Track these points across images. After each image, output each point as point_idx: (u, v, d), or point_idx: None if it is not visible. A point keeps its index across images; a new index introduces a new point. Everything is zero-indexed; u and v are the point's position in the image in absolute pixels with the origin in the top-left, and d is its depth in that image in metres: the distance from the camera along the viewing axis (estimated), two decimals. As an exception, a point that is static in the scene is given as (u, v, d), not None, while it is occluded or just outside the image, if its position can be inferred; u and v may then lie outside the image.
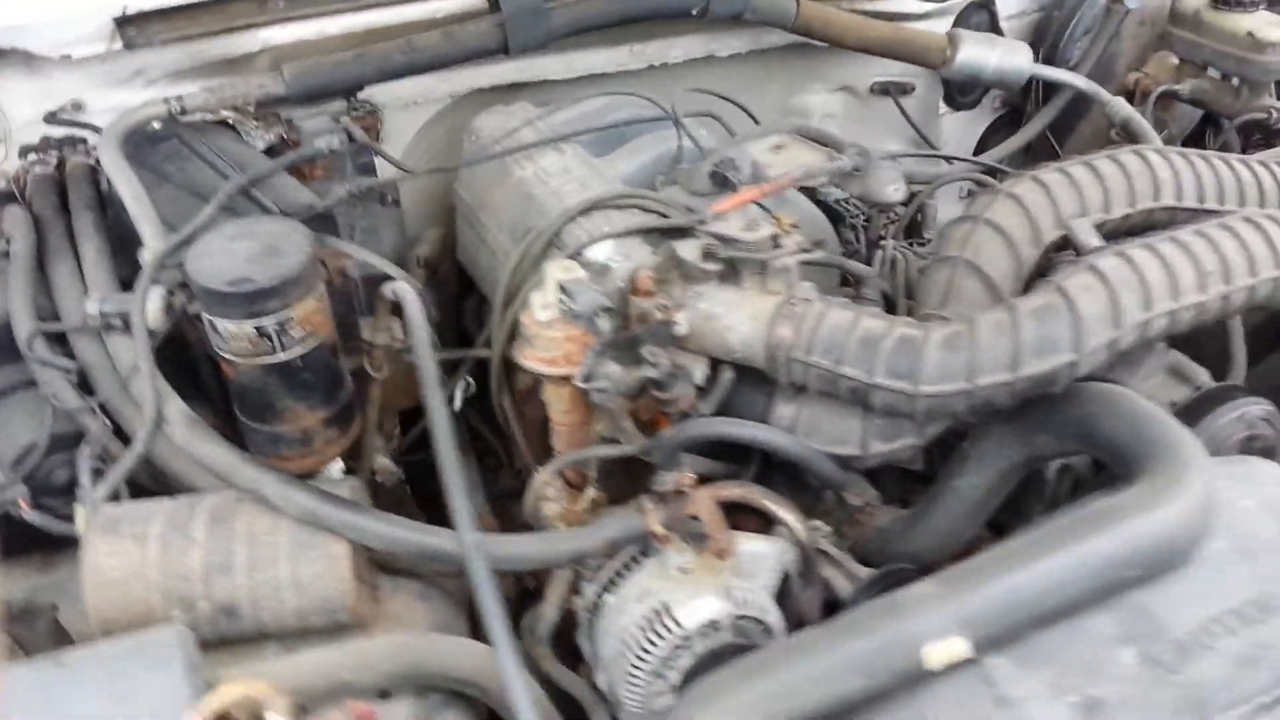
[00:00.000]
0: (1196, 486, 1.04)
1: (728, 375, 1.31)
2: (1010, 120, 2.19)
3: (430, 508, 1.50)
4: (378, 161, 1.74)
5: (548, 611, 1.32)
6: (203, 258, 1.28)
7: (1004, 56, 1.85)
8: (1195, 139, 2.07)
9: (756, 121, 2.01)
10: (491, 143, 1.68)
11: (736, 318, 1.27)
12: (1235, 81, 1.89)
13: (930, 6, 1.95)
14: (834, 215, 1.79)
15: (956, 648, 1.00)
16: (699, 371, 1.30)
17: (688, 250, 1.27)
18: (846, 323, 1.21)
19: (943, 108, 2.18)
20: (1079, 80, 1.90)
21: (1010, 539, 1.07)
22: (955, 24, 2.07)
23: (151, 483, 1.36)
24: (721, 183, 1.40)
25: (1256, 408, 1.36)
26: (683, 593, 1.23)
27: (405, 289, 1.32)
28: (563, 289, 1.21)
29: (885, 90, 2.13)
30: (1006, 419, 1.30)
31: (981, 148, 2.22)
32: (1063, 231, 1.30)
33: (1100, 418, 1.17)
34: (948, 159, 1.82)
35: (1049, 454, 1.26)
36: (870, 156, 1.39)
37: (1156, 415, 1.13)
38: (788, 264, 1.26)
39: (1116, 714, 0.96)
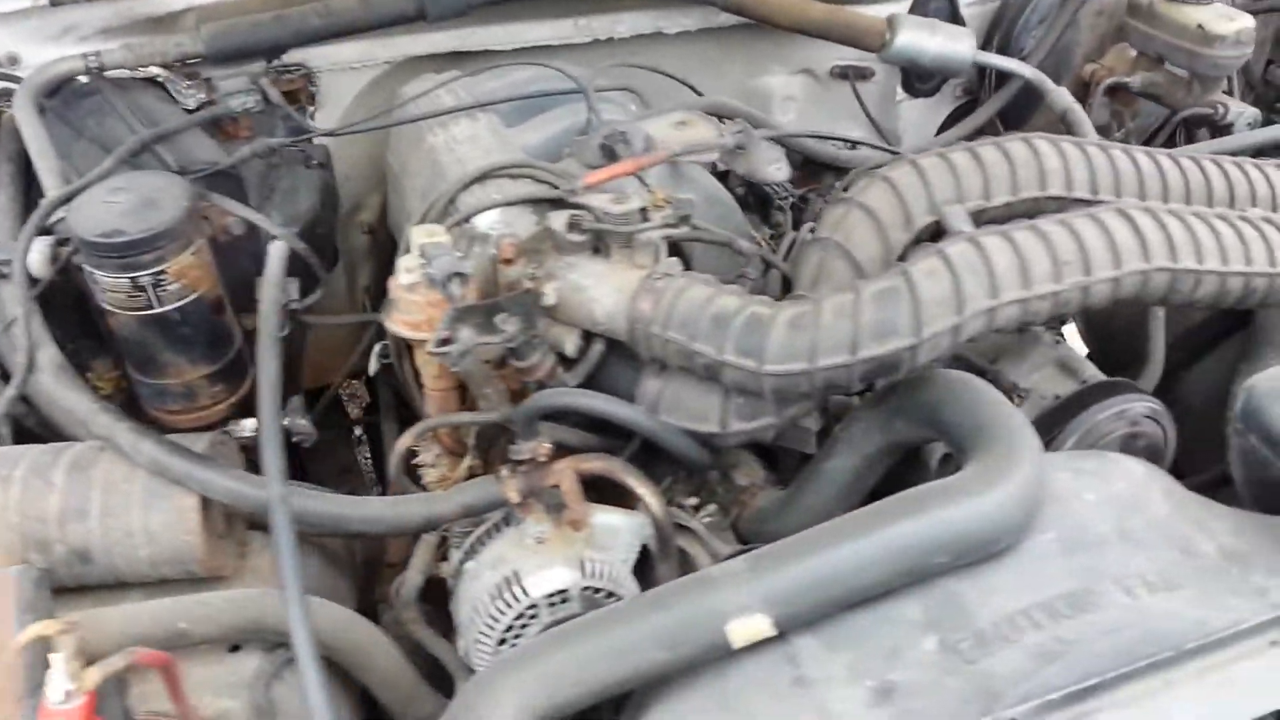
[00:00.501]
0: (1019, 476, 1.02)
1: (598, 347, 1.31)
2: (971, 108, 2.15)
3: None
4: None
5: (411, 575, 1.34)
6: (83, 209, 1.31)
7: (945, 43, 1.82)
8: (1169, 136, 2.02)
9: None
10: (413, 109, 1.69)
11: (602, 290, 1.26)
12: (1187, 75, 1.84)
13: None
14: (763, 197, 1.78)
15: (759, 625, 0.99)
16: (570, 343, 1.31)
17: (556, 221, 1.27)
18: (702, 299, 1.20)
19: (901, 94, 2.15)
20: (1025, 69, 1.86)
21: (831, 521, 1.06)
22: (912, 9, 2.04)
23: (41, 429, 1.39)
24: (610, 155, 1.39)
25: (1140, 405, 1.33)
26: (534, 562, 1.23)
27: (277, 247, 1.33)
28: (423, 253, 1.22)
29: (844, 74, 2.11)
30: (872, 404, 1.29)
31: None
32: (936, 217, 1.28)
33: (945, 405, 1.16)
34: (851, 143, 1.78)
35: (907, 439, 1.25)
36: (751, 135, 1.38)
37: (995, 404, 1.12)
38: (653, 238, 1.26)
39: (908, 700, 0.95)
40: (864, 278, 1.26)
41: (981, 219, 1.31)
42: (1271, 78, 2.22)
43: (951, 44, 1.82)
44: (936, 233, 1.29)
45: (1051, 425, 1.33)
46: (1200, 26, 1.77)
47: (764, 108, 2.20)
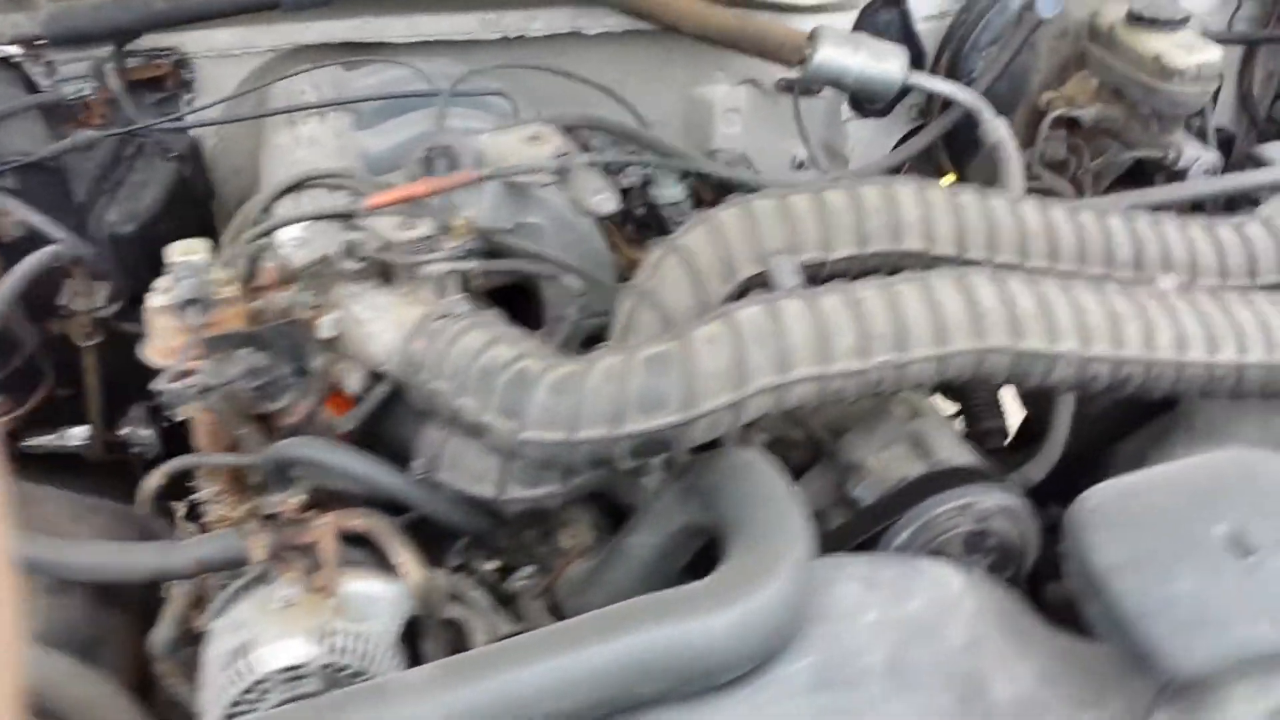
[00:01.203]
0: (764, 592, 0.86)
1: (381, 388, 1.16)
2: (927, 132, 1.96)
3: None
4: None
5: (161, 627, 1.21)
6: None
7: (869, 62, 1.63)
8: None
9: (638, 114, 1.84)
10: (274, 102, 1.56)
11: (381, 326, 1.12)
12: (1147, 111, 1.63)
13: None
14: (661, 221, 1.63)
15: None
16: (354, 380, 1.17)
17: (334, 245, 1.14)
18: (476, 347, 1.06)
19: (847, 112, 1.96)
20: (962, 94, 1.66)
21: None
22: (859, 22, 1.85)
23: None
24: (429, 170, 1.25)
25: (992, 499, 1.15)
26: (272, 631, 1.10)
27: (45, 252, 1.22)
28: (173, 272, 1.09)
29: (789, 88, 1.93)
30: (675, 476, 1.14)
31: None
32: (762, 268, 1.11)
33: (721, 490, 1.00)
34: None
35: (702, 522, 1.08)
36: (573, 160, 1.22)
37: (767, 496, 0.96)
38: (437, 271, 1.11)
39: None
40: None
41: (823, 273, 1.15)
42: (1277, 115, 1.99)
43: (877, 63, 1.64)
44: (764, 284, 1.13)
45: (884, 515, 1.16)
46: (1157, 58, 1.57)
47: (706, 119, 2.04)
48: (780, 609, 0.86)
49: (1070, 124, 1.71)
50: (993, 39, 1.77)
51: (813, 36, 1.64)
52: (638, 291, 1.13)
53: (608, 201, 1.20)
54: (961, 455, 1.22)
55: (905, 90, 1.67)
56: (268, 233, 1.22)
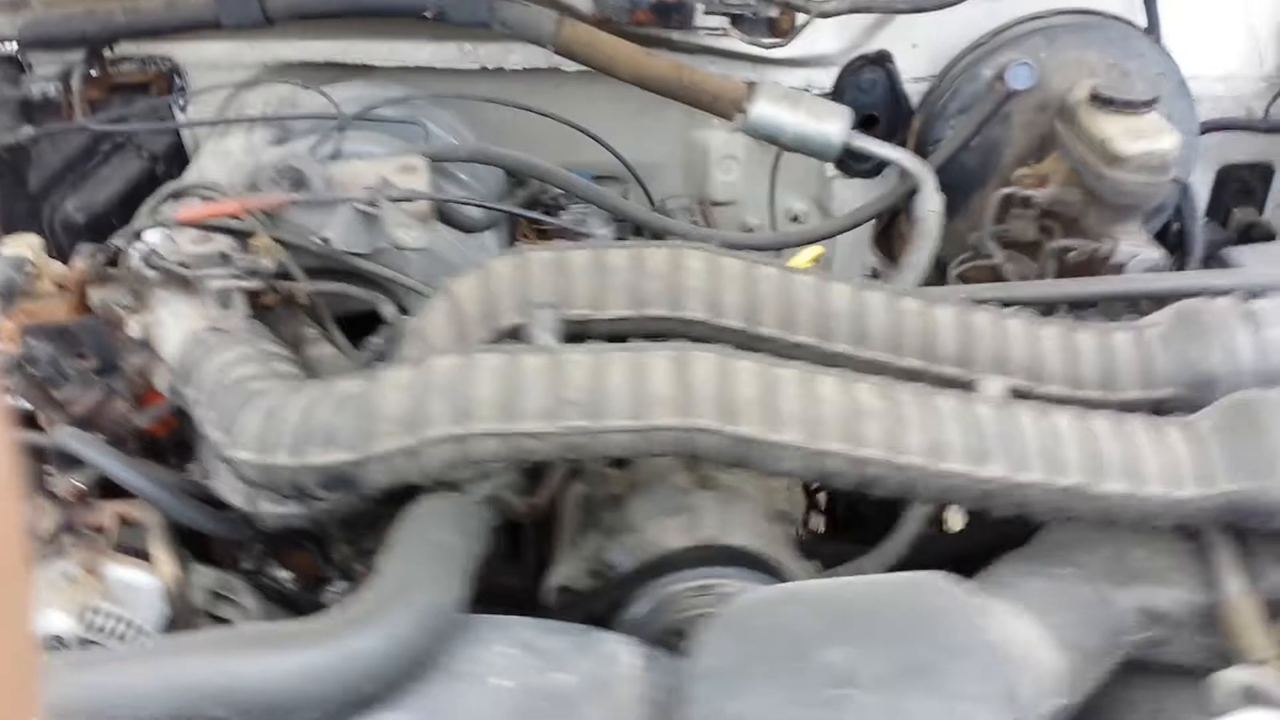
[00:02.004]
0: (349, 640, 0.86)
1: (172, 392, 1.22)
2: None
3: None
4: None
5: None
6: None
7: (806, 121, 1.58)
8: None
9: (616, 153, 1.85)
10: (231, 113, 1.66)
11: (173, 332, 1.18)
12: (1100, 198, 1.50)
13: (765, 51, 1.69)
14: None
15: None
16: (162, 380, 1.23)
17: (137, 252, 1.20)
18: (225, 361, 1.10)
19: (831, 170, 1.90)
20: (907, 161, 1.59)
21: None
22: (840, 79, 1.80)
23: None
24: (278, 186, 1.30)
25: (738, 584, 1.10)
26: (45, 600, 1.17)
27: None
28: (-3, 265, 1.18)
29: (778, 140, 1.89)
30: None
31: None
32: (526, 319, 1.10)
33: (392, 536, 1.00)
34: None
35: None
36: (382, 195, 1.24)
37: (421, 547, 0.95)
38: (219, 286, 1.16)
39: None
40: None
41: (591, 332, 1.12)
42: (1240, 217, 1.82)
43: (815, 123, 1.59)
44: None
45: (632, 585, 1.12)
46: (1104, 142, 1.45)
47: (702, 164, 2.03)
48: (369, 657, 0.86)
49: (1017, 202, 1.60)
50: (961, 108, 1.68)
51: (750, 91, 1.60)
52: (409, 329, 1.14)
53: (416, 238, 1.22)
54: (736, 535, 1.17)
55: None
56: (136, 235, 1.31)
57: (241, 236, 1.23)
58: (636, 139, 1.92)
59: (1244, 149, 1.91)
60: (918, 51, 1.79)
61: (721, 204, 2.07)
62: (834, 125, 1.59)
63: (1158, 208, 1.71)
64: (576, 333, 1.12)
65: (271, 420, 1.01)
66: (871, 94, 1.80)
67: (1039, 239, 1.68)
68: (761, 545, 1.18)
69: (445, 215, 1.48)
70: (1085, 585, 1.15)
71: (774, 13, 1.63)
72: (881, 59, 1.77)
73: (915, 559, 1.34)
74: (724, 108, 1.61)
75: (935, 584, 0.91)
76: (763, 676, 0.80)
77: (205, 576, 1.22)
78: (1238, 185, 1.94)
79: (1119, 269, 1.45)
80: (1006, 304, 1.28)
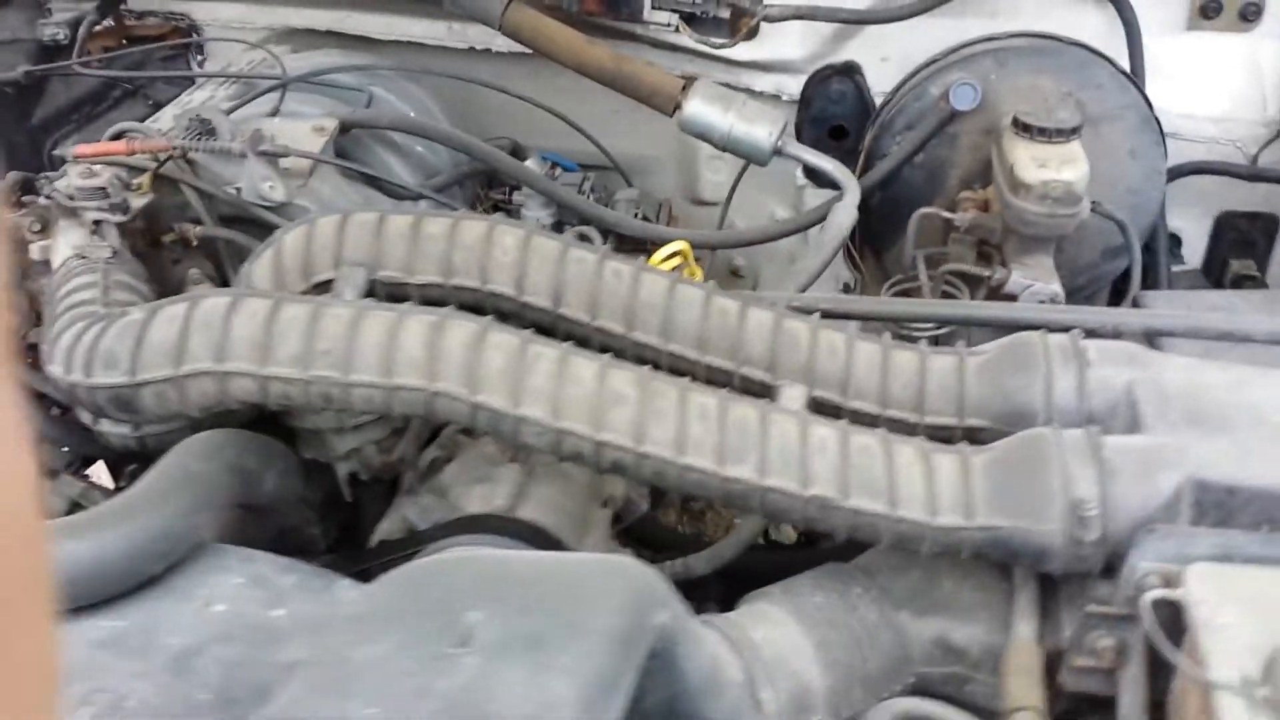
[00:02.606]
0: (63, 548, 0.94)
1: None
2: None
3: None
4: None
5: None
6: None
7: (738, 122, 1.58)
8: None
9: (592, 139, 1.90)
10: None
11: (59, 258, 1.29)
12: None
13: (728, 53, 1.70)
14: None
15: None
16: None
17: (46, 186, 1.32)
18: (72, 286, 1.20)
19: (801, 179, 1.89)
20: (837, 172, 1.57)
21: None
22: (808, 86, 1.79)
23: None
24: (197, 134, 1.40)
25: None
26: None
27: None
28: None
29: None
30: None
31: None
32: (337, 276, 1.16)
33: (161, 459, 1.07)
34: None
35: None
36: (250, 147, 1.31)
37: (164, 469, 1.02)
38: (95, 220, 1.26)
39: None
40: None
41: (405, 295, 1.18)
42: (1237, 269, 1.71)
43: (746, 125, 1.59)
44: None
45: (423, 545, 1.17)
46: (1012, 168, 1.40)
47: (693, 162, 2.05)
48: (74, 566, 0.93)
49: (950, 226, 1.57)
50: (908, 124, 1.66)
51: (686, 88, 1.62)
52: (240, 275, 1.22)
53: (276, 190, 1.30)
54: (528, 509, 1.20)
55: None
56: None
57: (142, 173, 1.34)
58: (630, 132, 1.96)
59: (1244, 197, 1.81)
60: (887, 65, 1.76)
61: (708, 203, 2.08)
62: (763, 129, 1.59)
63: (1115, 249, 1.65)
64: (393, 295, 1.18)
65: (77, 341, 1.10)
66: (841, 105, 1.79)
67: (978, 265, 1.64)
68: (553, 522, 1.20)
69: (375, 182, 1.56)
70: (873, 608, 1.14)
71: (724, 13, 1.64)
72: (849, 70, 1.76)
73: (761, 566, 1.35)
74: (661, 102, 1.63)
75: (624, 568, 0.92)
76: (396, 627, 0.84)
77: (70, 487, 1.32)
78: (1235, 235, 1.84)
79: (1013, 299, 1.41)
80: (868, 318, 1.28)
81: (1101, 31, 1.68)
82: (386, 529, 1.26)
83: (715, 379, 1.20)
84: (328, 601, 1.01)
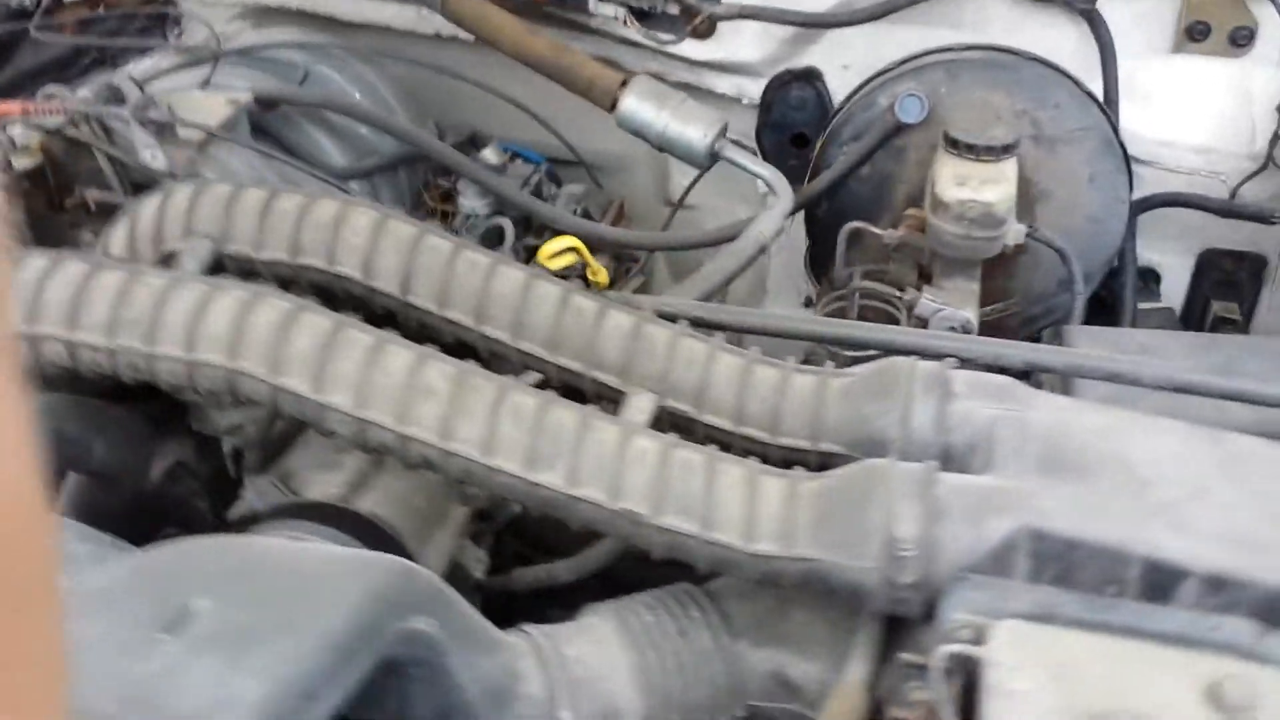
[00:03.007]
0: None
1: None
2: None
3: None
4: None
5: None
6: None
7: (673, 122, 1.52)
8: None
9: (563, 139, 1.87)
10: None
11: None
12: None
13: (658, 44, 1.64)
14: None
15: None
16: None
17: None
18: None
19: (762, 185, 1.83)
20: (771, 178, 1.51)
21: None
22: (767, 91, 1.72)
23: None
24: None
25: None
26: None
27: None
28: None
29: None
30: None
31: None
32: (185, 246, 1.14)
33: None
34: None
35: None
36: (128, 115, 1.29)
37: None
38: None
39: None
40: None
41: (253, 270, 1.15)
42: (1218, 311, 1.58)
43: (680, 125, 1.53)
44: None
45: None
46: (934, 185, 1.32)
47: (663, 164, 1.99)
48: None
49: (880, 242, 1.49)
50: (855, 134, 1.58)
51: (625, 84, 1.57)
52: (98, 244, 1.21)
53: (157, 159, 1.28)
54: (365, 501, 1.16)
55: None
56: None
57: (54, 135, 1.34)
58: (606, 130, 1.91)
59: (1230, 235, 1.69)
60: (849, 73, 1.69)
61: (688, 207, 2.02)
62: (698, 130, 1.53)
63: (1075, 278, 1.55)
64: (242, 270, 1.15)
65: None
66: (802, 112, 1.72)
67: (918, 284, 1.56)
68: (392, 515, 1.16)
69: (310, 160, 1.54)
70: (707, 634, 1.08)
71: (673, 9, 1.59)
72: (810, 75, 1.69)
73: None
74: (598, 96, 1.58)
75: (376, 567, 0.88)
76: (117, 607, 0.81)
77: None
78: (1219, 275, 1.72)
79: (923, 323, 1.33)
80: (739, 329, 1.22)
81: (1077, 49, 1.59)
82: (236, 510, 1.24)
83: (567, 381, 1.15)
84: (106, 573, 0.99)
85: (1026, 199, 1.53)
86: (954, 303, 1.30)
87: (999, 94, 1.50)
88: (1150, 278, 1.72)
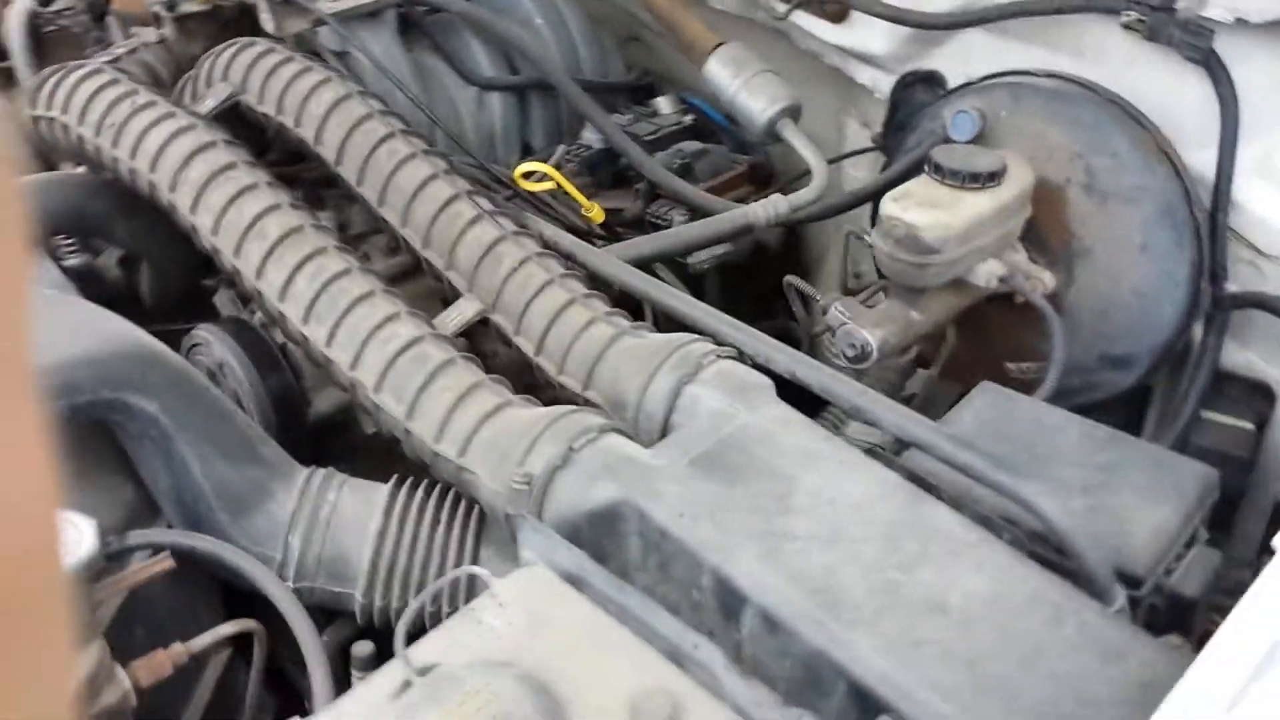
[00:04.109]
0: None
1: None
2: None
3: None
4: None
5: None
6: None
7: (740, 93, 1.53)
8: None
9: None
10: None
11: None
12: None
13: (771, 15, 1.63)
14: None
15: None
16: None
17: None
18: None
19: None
20: (814, 162, 1.49)
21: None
22: (895, 90, 1.67)
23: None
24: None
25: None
26: None
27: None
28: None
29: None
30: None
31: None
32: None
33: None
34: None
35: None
36: None
37: None
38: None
39: None
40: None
41: (255, 119, 1.39)
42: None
43: (746, 96, 1.55)
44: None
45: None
46: (884, 202, 1.24)
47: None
48: None
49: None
50: (917, 142, 1.50)
51: (717, 51, 1.61)
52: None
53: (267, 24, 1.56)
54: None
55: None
56: None
57: None
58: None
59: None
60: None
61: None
62: (761, 104, 1.55)
63: (1118, 359, 1.39)
64: (245, 117, 1.40)
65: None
66: (921, 115, 1.65)
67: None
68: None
69: (457, 63, 1.76)
70: (456, 532, 1.19)
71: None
72: (933, 80, 1.61)
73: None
74: (694, 55, 1.64)
75: (120, 345, 1.08)
76: None
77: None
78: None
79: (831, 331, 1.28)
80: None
81: (1204, 104, 1.38)
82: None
83: (433, 275, 1.28)
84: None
85: (1065, 252, 1.38)
86: (871, 323, 1.24)
87: (1056, 129, 1.36)
88: (1259, 392, 1.46)
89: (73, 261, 1.51)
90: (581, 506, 0.96)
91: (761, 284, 1.72)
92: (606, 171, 1.77)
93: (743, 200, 1.63)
